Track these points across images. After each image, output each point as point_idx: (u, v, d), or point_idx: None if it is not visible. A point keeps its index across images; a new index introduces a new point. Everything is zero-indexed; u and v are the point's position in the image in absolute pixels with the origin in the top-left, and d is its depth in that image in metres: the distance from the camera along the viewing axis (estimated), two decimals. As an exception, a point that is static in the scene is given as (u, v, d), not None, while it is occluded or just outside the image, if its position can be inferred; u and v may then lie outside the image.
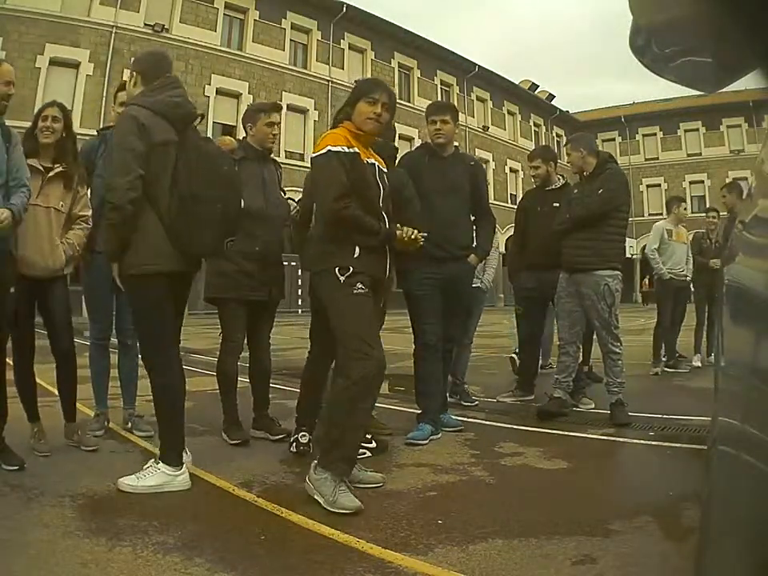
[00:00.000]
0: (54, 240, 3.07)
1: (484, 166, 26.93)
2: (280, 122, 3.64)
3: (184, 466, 2.59)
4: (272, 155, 3.75)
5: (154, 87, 2.58)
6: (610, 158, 4.28)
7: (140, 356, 2.90)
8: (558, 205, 4.29)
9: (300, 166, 19.42)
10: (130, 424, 3.56)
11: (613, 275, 3.96)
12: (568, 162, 4.27)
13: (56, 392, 3.29)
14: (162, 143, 2.48)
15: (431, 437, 3.48)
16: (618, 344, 3.99)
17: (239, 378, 3.57)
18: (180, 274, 2.61)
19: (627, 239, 7.59)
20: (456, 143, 3.97)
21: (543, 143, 33.28)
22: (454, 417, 3.86)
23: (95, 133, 3.74)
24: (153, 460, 2.62)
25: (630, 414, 3.90)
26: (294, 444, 3.16)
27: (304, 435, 3.15)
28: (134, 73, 2.69)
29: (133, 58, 2.96)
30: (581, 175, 4.23)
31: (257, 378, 3.62)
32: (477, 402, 4.54)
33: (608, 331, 3.97)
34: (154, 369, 2.62)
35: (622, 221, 4.13)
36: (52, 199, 3.06)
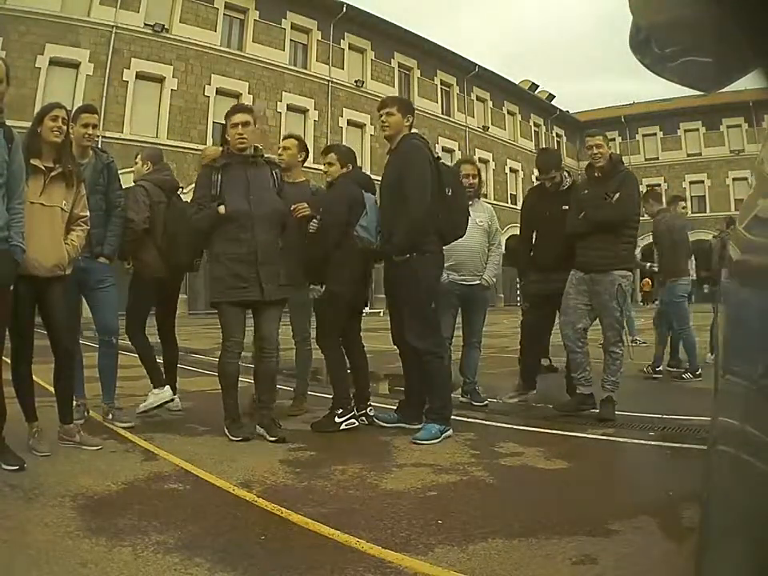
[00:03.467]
0: (57, 239, 3.07)
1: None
2: (249, 122, 3.51)
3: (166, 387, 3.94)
4: (264, 157, 3.64)
5: (155, 170, 4.15)
6: (621, 160, 4.28)
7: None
8: (567, 208, 4.20)
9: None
10: (111, 416, 3.70)
11: (626, 276, 4.01)
12: (596, 155, 4.00)
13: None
14: (157, 202, 3.98)
15: (402, 424, 3.71)
16: (621, 344, 4.04)
17: (245, 378, 3.58)
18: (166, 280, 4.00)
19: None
20: (415, 130, 3.73)
21: (543, 144, 33.25)
22: (434, 426, 3.44)
23: None
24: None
25: (630, 414, 3.92)
26: (364, 417, 3.75)
27: (372, 409, 3.82)
28: (146, 160, 4.18)
29: (143, 152, 4.36)
30: (590, 174, 4.18)
31: (260, 379, 3.60)
32: (487, 402, 4.49)
33: (615, 331, 4.02)
34: (134, 336, 4.02)
35: (637, 223, 4.15)
36: (56, 198, 3.08)
